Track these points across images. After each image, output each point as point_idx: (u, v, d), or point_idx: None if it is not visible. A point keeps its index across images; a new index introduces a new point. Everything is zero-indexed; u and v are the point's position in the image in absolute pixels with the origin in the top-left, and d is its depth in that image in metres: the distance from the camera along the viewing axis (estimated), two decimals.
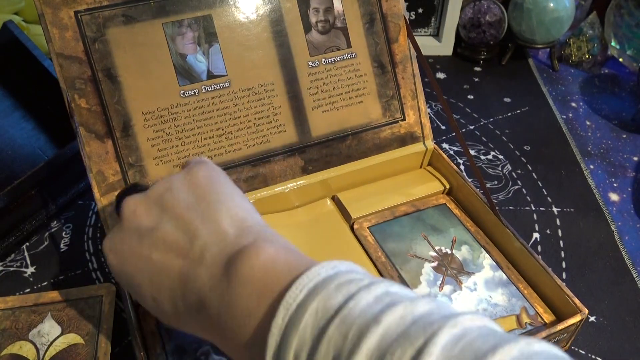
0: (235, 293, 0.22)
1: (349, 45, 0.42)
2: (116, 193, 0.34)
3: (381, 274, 0.38)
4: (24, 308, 0.37)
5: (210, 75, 0.38)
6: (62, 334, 0.35)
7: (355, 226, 0.41)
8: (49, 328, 0.35)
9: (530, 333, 0.35)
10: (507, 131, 0.61)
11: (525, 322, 0.36)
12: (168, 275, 0.25)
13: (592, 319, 0.41)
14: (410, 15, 0.74)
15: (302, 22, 0.41)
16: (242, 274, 0.22)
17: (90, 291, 0.38)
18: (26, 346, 0.34)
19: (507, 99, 0.66)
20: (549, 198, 0.52)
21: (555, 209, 0.51)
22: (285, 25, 0.40)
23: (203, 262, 0.24)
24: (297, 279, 0.21)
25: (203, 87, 0.38)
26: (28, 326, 0.36)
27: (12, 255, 0.44)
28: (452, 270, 0.39)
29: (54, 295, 0.37)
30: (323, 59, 0.42)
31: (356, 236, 0.41)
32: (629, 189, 0.54)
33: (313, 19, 0.41)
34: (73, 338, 0.35)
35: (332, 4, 0.42)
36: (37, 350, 0.34)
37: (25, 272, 0.43)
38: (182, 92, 0.38)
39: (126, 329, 0.38)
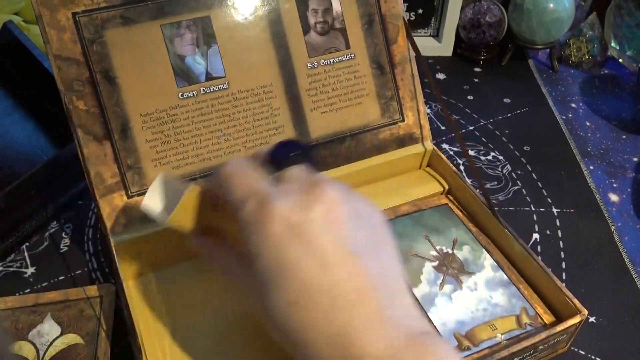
0: None
1: (347, 47, 0.42)
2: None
3: None
4: (24, 308, 0.37)
5: (209, 77, 0.39)
6: (62, 334, 0.35)
7: None
8: (49, 328, 0.36)
9: (530, 334, 0.35)
10: (507, 132, 0.61)
11: (525, 323, 0.36)
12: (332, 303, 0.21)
13: (592, 319, 0.41)
14: (410, 16, 0.74)
15: (300, 23, 0.41)
16: None
17: (90, 291, 0.38)
18: (26, 346, 0.35)
19: (507, 100, 0.66)
20: (548, 199, 0.52)
21: (555, 210, 0.50)
22: (284, 27, 0.40)
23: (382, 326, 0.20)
24: None
25: (202, 88, 0.38)
26: (28, 326, 0.36)
27: (12, 255, 0.44)
28: (452, 270, 0.39)
29: (54, 295, 0.37)
30: (322, 60, 0.42)
31: None
32: (629, 190, 0.54)
33: (312, 20, 0.41)
34: (73, 338, 0.35)
35: (331, 4, 0.42)
36: (37, 350, 0.34)
37: (25, 272, 0.43)
38: (180, 93, 0.38)
39: (126, 329, 0.38)
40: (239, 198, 0.23)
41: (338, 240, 0.21)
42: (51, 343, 0.35)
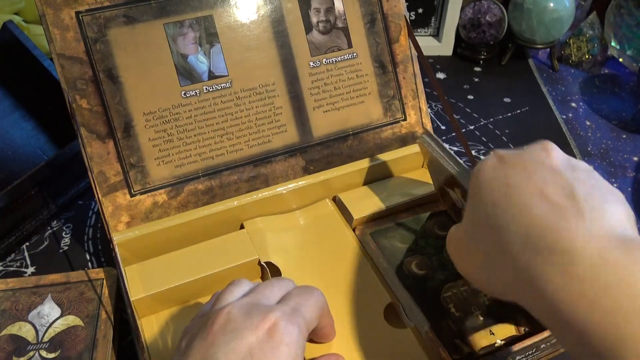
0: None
1: (350, 46, 0.42)
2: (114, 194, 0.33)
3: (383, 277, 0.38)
4: (25, 289, 0.37)
5: (212, 76, 0.38)
6: (61, 315, 0.35)
7: (356, 232, 0.41)
8: (49, 310, 0.35)
9: (529, 336, 0.35)
10: (507, 131, 0.61)
11: (524, 329, 0.35)
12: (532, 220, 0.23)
13: None
14: (410, 15, 0.74)
15: (303, 23, 0.41)
16: None
17: (91, 274, 0.38)
18: (25, 327, 0.34)
19: (507, 99, 0.66)
20: None
21: None
22: (286, 26, 0.40)
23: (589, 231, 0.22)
24: None
25: (204, 87, 0.38)
26: (28, 307, 0.35)
27: (12, 255, 0.44)
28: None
29: (55, 277, 0.37)
30: (324, 59, 0.42)
31: (357, 237, 0.41)
32: (629, 189, 0.54)
33: (314, 19, 0.41)
34: (73, 320, 0.35)
35: (333, 4, 0.42)
36: (37, 331, 0.34)
37: (25, 272, 0.43)
38: (183, 92, 0.38)
39: (127, 329, 0.38)
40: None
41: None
42: (51, 324, 0.35)
